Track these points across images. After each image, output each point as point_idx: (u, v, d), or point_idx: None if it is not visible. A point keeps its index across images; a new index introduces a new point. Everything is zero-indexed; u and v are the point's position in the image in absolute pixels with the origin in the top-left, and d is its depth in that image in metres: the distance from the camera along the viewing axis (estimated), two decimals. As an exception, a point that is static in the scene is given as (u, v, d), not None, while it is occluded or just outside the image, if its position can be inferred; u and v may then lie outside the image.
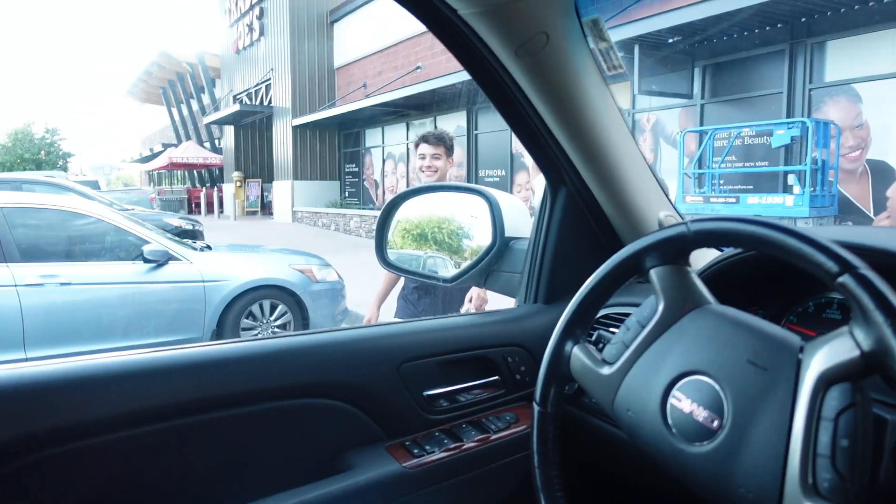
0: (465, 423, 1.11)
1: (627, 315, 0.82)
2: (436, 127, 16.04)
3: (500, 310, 1.29)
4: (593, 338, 1.05)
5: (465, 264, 1.45)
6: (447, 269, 1.50)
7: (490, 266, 1.37)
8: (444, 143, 3.08)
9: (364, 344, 1.07)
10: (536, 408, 0.84)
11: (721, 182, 9.73)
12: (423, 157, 3.04)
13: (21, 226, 4.55)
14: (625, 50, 8.87)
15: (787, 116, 8.94)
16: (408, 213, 1.61)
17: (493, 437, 1.08)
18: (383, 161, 18.89)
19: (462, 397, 1.14)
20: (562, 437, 0.85)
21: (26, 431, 0.77)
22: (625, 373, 0.76)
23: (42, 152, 31.85)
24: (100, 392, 0.83)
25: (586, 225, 1.27)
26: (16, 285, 4.31)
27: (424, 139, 3.08)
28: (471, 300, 2.81)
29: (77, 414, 0.80)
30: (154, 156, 33.80)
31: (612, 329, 1.05)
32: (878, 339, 0.55)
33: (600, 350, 0.81)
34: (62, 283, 4.46)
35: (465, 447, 1.05)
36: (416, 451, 1.02)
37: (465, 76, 1.12)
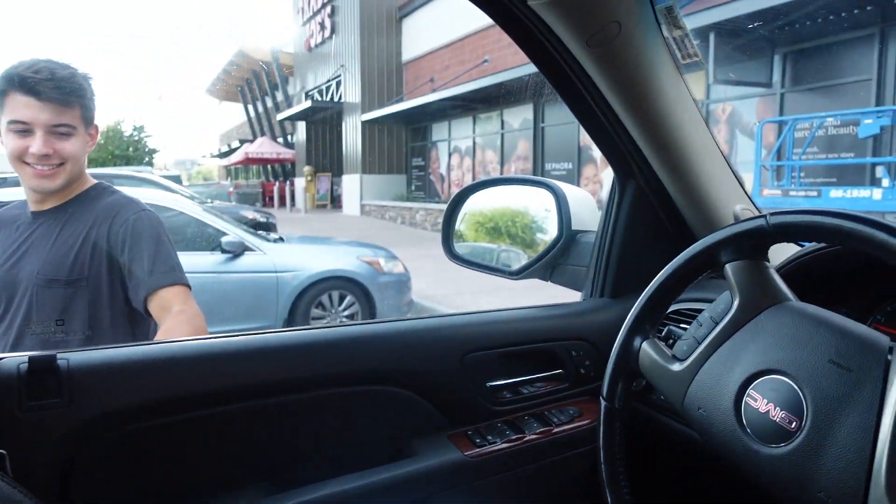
0: (527, 415, 1.11)
1: (699, 311, 0.80)
2: (502, 122, 16.12)
3: (565, 303, 1.28)
4: (663, 333, 1.03)
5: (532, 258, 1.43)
6: (520, 263, 1.48)
7: (556, 259, 1.36)
8: (76, 95, 1.35)
9: (428, 334, 1.08)
10: (603, 403, 0.83)
11: (802, 174, 9.25)
12: (22, 129, 1.31)
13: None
14: (700, 37, 8.54)
15: (877, 104, 8.40)
16: (477, 206, 1.60)
17: (556, 430, 1.08)
18: (449, 155, 18.95)
19: (525, 389, 1.14)
20: (628, 433, 0.84)
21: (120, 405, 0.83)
22: (696, 370, 0.74)
23: (130, 149, 33.67)
24: (177, 373, 0.88)
25: (656, 218, 1.24)
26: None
27: (22, 84, 1.29)
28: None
29: (154, 392, 0.86)
30: (231, 151, 35.18)
31: (682, 325, 1.02)
32: None
33: (670, 346, 0.79)
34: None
35: (527, 439, 1.05)
36: (478, 440, 1.03)
37: (531, 69, 1.11)
